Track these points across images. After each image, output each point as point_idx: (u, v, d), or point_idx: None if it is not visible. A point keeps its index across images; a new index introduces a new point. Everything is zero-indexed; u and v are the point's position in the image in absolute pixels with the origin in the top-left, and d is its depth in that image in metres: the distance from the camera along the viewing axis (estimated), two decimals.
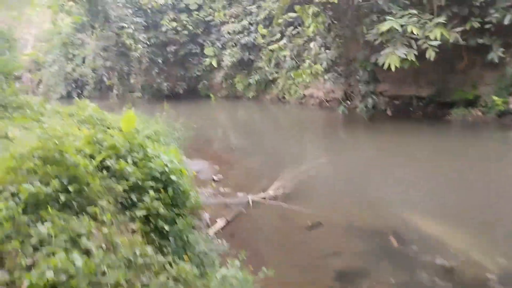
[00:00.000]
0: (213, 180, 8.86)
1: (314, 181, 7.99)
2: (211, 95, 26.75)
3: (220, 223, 6.33)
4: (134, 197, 4.56)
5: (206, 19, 25.81)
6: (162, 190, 4.81)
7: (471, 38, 12.76)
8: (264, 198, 7.47)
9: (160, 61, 25.91)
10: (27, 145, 4.61)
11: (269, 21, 21.53)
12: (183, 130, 12.13)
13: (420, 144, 11.60)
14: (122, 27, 23.14)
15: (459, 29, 12.48)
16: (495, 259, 4.92)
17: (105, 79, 31.17)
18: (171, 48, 25.86)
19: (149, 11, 24.22)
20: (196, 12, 25.55)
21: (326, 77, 15.39)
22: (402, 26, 12.23)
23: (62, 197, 3.63)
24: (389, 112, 14.12)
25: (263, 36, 21.63)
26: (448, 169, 9.05)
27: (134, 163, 5.01)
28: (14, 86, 8.04)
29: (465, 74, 13.97)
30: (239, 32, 23.71)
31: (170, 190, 4.87)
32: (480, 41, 12.74)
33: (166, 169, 5.01)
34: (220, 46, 25.70)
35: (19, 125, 6.47)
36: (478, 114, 13.31)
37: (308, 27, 13.85)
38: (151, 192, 4.57)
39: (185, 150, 10.00)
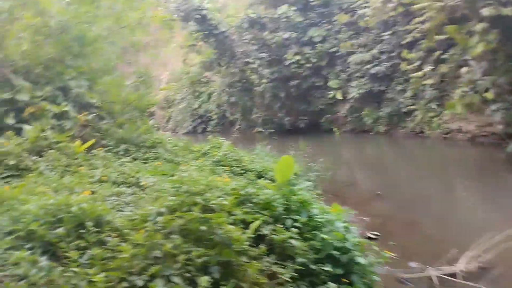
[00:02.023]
0: (369, 237, 6.97)
1: None
2: (335, 130, 25.00)
3: None
4: None
5: (331, 50, 24.57)
6: (344, 279, 3.19)
7: None
8: (454, 275, 5.33)
9: (282, 95, 25.29)
10: (161, 203, 3.44)
11: (408, 46, 19.19)
12: (319, 170, 10.60)
13: None
14: (247, 63, 23.15)
15: None
16: None
17: (227, 114, 31.87)
18: (294, 82, 25.09)
19: (273, 46, 23.93)
20: (320, 44, 24.52)
21: (493, 107, 12.46)
22: None
23: None
24: None
25: (406, 61, 19.08)
26: None
27: (299, 233, 3.51)
28: (148, 123, 7.41)
29: None
30: (368, 62, 21.80)
31: (356, 280, 3.20)
32: None
33: (346, 244, 3.38)
34: (346, 77, 24.07)
35: (151, 168, 5.59)
36: None
37: (471, 48, 11.37)
38: (332, 285, 2.96)
39: (322, 195, 8.41)
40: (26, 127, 5.42)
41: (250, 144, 27.67)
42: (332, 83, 24.69)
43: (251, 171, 6.98)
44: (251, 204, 3.63)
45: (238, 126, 29.24)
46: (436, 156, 16.08)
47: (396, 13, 18.45)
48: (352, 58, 22.44)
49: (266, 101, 24.89)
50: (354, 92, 22.84)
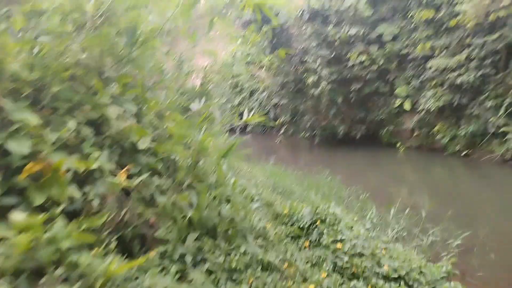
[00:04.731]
0: None
1: None
2: (399, 145, 21.65)
3: None
4: None
5: (402, 52, 21.11)
6: None
7: None
8: None
9: (339, 100, 22.08)
10: None
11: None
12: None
13: None
14: (304, 61, 20.04)
15: None
16: None
17: (271, 116, 28.95)
18: (355, 86, 21.80)
19: (336, 43, 20.67)
20: (391, 44, 21.08)
21: None
22: None
23: None
24: None
25: None
26: None
27: None
28: (224, 180, 4.58)
29: None
30: (452, 69, 18.26)
31: None
32: None
33: None
34: (418, 85, 20.60)
35: None
36: None
37: None
38: None
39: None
40: (15, 216, 2.60)
41: (298, 152, 24.69)
42: (400, 90, 21.28)
43: (394, 280, 4.05)
44: None
45: (283, 131, 26.26)
46: None
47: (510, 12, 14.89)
48: (433, 63, 18.89)
49: (322, 106, 21.73)
50: (428, 103, 19.39)
